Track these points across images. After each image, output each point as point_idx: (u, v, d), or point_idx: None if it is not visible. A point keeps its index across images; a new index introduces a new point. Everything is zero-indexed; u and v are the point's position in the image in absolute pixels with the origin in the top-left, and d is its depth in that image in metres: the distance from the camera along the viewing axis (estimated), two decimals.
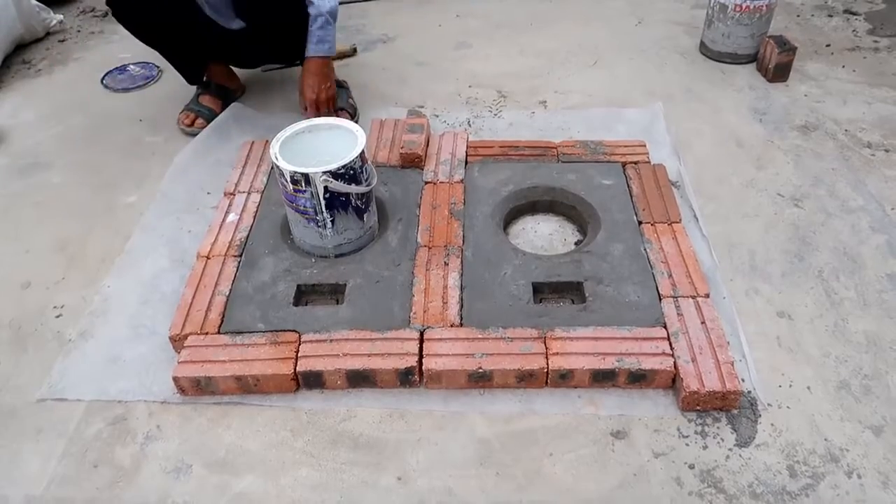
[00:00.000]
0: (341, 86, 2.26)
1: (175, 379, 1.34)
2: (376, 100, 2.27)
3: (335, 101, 2.04)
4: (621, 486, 1.20)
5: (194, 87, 2.20)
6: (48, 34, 2.81)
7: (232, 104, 2.21)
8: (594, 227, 1.66)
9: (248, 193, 1.77)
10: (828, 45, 2.53)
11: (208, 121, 2.13)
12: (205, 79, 2.19)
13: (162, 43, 2.02)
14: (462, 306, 1.45)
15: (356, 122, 2.19)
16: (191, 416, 1.34)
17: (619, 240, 1.59)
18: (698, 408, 1.31)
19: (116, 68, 2.53)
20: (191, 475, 1.24)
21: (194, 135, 2.10)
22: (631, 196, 1.72)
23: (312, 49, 1.92)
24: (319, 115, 1.83)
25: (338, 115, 2.15)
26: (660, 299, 1.45)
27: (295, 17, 1.88)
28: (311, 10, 1.87)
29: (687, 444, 1.26)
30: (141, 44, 1.99)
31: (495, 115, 2.20)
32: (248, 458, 1.27)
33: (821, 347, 1.43)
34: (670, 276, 1.50)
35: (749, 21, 2.32)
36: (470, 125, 2.15)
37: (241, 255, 1.59)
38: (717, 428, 1.29)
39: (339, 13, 1.95)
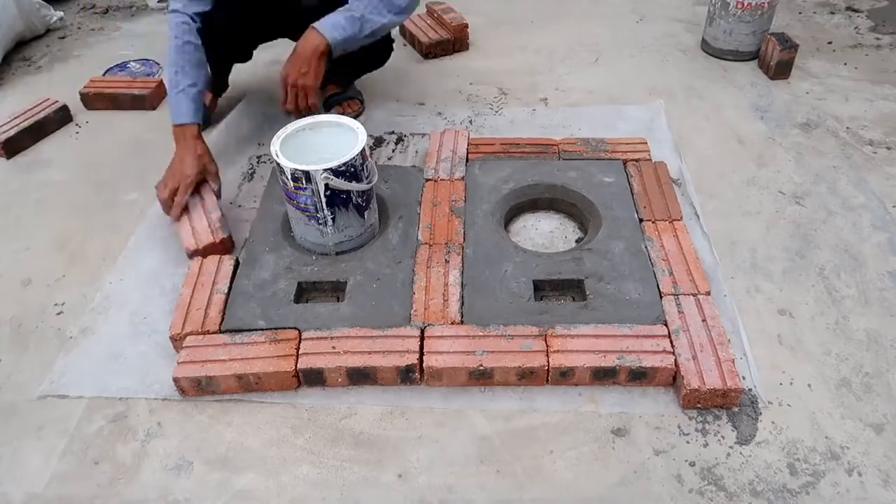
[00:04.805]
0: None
1: (175, 380, 1.34)
2: (377, 97, 2.26)
3: (310, 95, 1.71)
4: (622, 483, 1.20)
5: None
6: (48, 31, 2.81)
7: (241, 103, 2.17)
8: (595, 225, 1.66)
9: None
10: (830, 43, 2.53)
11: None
12: None
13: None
14: (463, 304, 1.45)
15: (363, 110, 2.20)
16: (192, 413, 1.34)
17: (619, 237, 1.59)
18: (699, 405, 1.31)
19: (117, 65, 2.53)
20: (191, 472, 1.24)
21: None
22: (632, 193, 1.72)
23: (322, 25, 1.66)
24: (288, 100, 1.67)
25: (341, 107, 2.14)
26: (661, 297, 1.45)
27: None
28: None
29: (687, 442, 1.26)
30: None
31: (496, 112, 2.20)
32: (248, 456, 1.27)
33: (822, 345, 1.43)
34: (671, 273, 1.50)
35: (751, 18, 2.31)
36: (471, 122, 2.14)
37: (240, 252, 1.59)
38: (718, 425, 1.29)
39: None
